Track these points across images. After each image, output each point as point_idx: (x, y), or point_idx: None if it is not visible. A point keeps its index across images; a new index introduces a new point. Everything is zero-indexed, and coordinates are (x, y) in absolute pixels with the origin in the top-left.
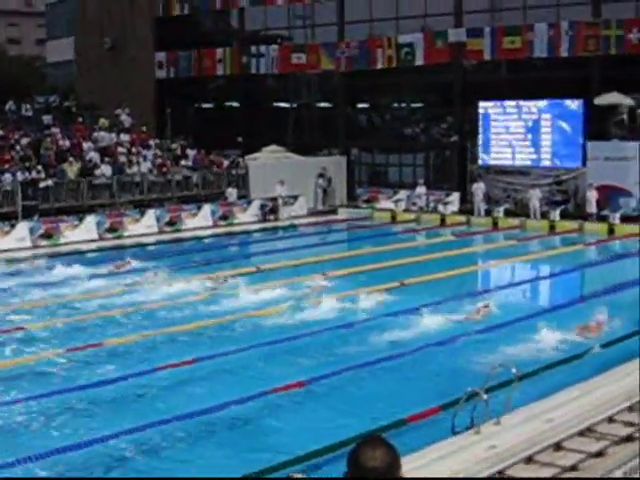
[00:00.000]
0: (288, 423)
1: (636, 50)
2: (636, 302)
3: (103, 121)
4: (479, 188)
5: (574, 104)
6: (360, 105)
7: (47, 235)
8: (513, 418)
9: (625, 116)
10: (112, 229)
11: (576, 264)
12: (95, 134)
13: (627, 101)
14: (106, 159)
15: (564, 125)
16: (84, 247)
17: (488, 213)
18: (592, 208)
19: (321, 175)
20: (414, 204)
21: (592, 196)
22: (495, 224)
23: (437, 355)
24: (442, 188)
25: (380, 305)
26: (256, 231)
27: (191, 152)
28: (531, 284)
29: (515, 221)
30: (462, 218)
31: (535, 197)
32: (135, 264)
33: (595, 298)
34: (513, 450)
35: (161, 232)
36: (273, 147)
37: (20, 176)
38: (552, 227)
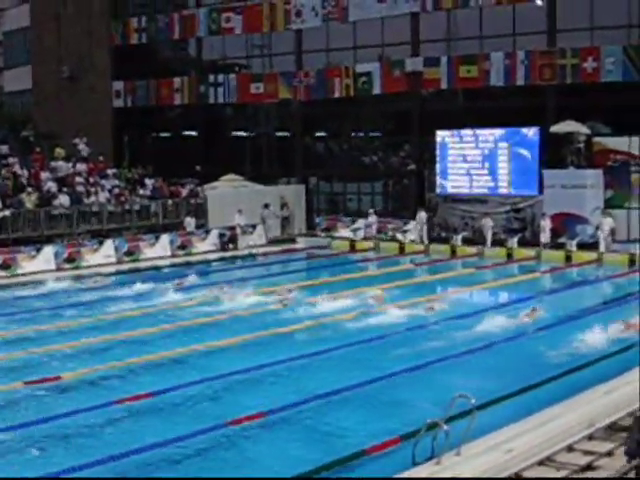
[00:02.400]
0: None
1: (591, 78)
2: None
3: (59, 151)
4: (422, 217)
5: (530, 132)
6: (318, 134)
7: (5, 266)
8: (473, 448)
9: (581, 144)
10: (70, 259)
11: (533, 291)
12: (53, 164)
13: (583, 129)
14: (64, 189)
15: (521, 153)
16: (42, 277)
17: (445, 241)
18: (546, 237)
19: (266, 206)
20: (366, 233)
21: (546, 225)
22: (453, 252)
23: None
24: (401, 216)
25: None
26: (215, 260)
27: (149, 181)
28: (490, 312)
29: (473, 249)
30: (421, 246)
31: (488, 225)
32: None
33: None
34: None
35: (119, 262)
36: (231, 176)
37: None
38: (509, 255)
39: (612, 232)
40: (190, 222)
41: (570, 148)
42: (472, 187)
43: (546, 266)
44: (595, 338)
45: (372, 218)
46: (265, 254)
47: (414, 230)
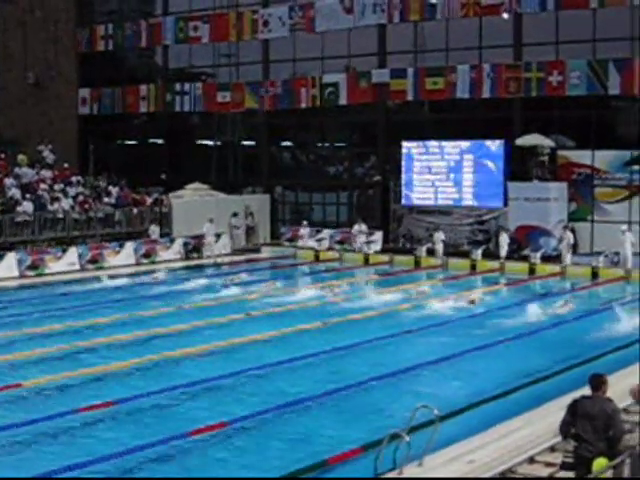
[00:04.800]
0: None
1: (556, 92)
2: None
3: (22, 157)
4: (362, 228)
5: (495, 145)
6: (284, 144)
7: None
8: (435, 459)
9: (545, 157)
10: (34, 267)
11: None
12: (17, 170)
13: (547, 142)
14: (28, 196)
15: (486, 165)
16: (4, 285)
17: (410, 252)
18: (503, 252)
19: (235, 214)
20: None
21: (504, 240)
22: (417, 263)
23: None
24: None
25: None
26: (180, 269)
27: (114, 189)
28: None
29: (437, 260)
30: (385, 257)
31: (439, 239)
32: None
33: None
34: None
35: (83, 270)
36: (196, 185)
37: None
38: (474, 266)
39: (572, 247)
40: (155, 230)
41: (535, 161)
42: (437, 199)
43: (510, 278)
44: None
45: (305, 230)
46: (230, 263)
47: (380, 241)
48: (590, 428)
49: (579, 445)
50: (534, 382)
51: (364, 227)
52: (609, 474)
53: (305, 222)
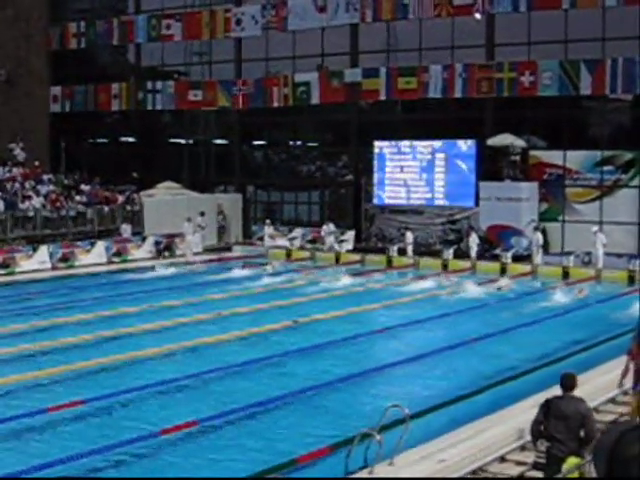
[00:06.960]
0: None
1: (528, 92)
2: None
3: None
4: (330, 228)
5: (467, 144)
6: (256, 143)
7: None
8: (406, 458)
9: (517, 157)
10: (4, 265)
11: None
12: None
13: (519, 142)
14: None
15: (458, 165)
16: None
17: (382, 251)
18: (473, 252)
19: (202, 214)
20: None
21: (473, 240)
22: (389, 262)
23: None
24: (337, 226)
25: None
26: (152, 268)
27: (85, 187)
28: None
29: (409, 260)
30: (357, 256)
31: (409, 240)
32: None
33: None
34: None
35: (54, 268)
36: (168, 183)
37: None
38: (445, 266)
39: (541, 247)
40: (126, 229)
41: (506, 161)
42: (409, 198)
43: (482, 277)
44: None
45: (269, 229)
46: (202, 262)
47: (352, 240)
48: (563, 428)
49: (552, 445)
50: None
51: (333, 227)
52: (575, 473)
53: (268, 221)
